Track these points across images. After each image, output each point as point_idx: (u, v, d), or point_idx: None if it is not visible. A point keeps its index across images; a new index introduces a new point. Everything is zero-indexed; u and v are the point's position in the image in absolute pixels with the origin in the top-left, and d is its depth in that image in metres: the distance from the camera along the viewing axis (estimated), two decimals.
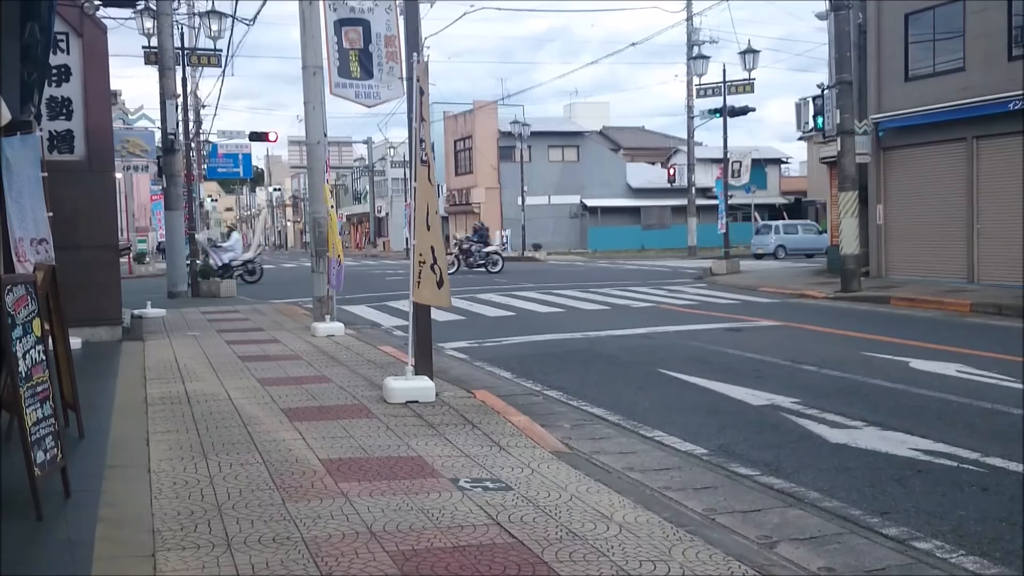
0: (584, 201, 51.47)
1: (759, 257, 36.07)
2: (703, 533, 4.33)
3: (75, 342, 9.26)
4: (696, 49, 37.14)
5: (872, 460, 5.90)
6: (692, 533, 4.30)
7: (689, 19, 37.34)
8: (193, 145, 29.31)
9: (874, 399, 7.80)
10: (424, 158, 7.51)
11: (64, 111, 11.64)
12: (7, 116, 6.80)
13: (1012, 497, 5.06)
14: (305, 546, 4.05)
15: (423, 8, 13.69)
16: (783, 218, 46.94)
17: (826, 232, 31.30)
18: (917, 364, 9.47)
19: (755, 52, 27.55)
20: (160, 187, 25.29)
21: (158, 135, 21.45)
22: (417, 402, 7.31)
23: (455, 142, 54.22)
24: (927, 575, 4.03)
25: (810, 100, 23.64)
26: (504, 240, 47.24)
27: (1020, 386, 8.15)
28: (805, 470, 5.71)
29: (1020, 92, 16.42)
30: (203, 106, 34.51)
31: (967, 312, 14.54)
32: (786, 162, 58.52)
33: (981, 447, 6.06)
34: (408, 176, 7.93)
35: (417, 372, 7.75)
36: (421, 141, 7.50)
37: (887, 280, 19.79)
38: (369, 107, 10.86)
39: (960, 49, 18.29)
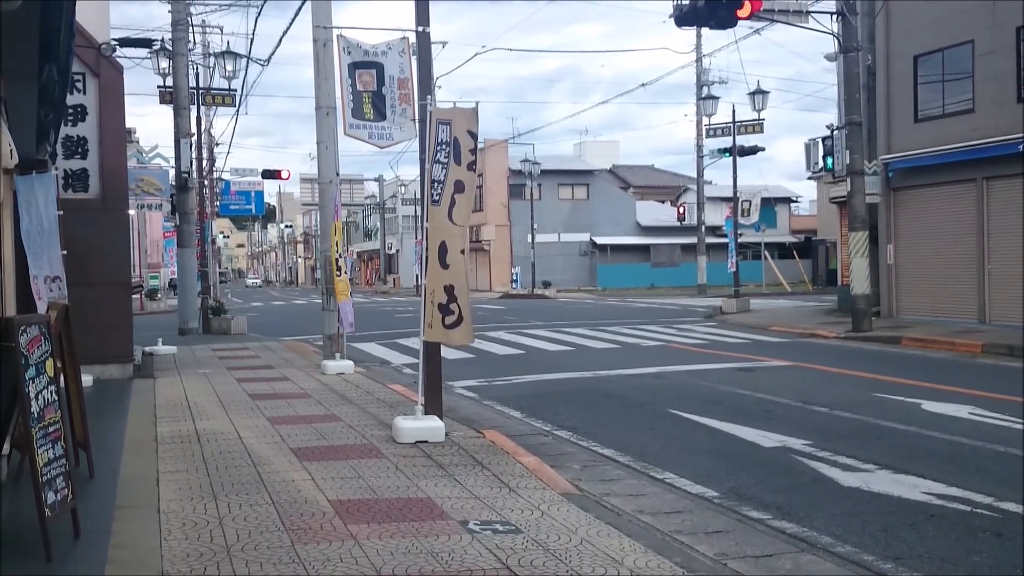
0: (594, 239, 51.58)
1: None
2: None
3: (86, 380, 9.30)
4: (706, 89, 37.40)
5: (885, 504, 5.85)
6: None
7: (699, 60, 37.64)
8: (206, 183, 29.59)
9: (887, 442, 7.74)
10: (435, 198, 7.56)
11: (79, 150, 11.80)
12: (14, 158, 6.89)
13: None
14: None
15: (435, 49, 13.88)
16: (794, 257, 46.93)
17: None
18: (929, 406, 9.40)
19: (764, 93, 27.73)
20: (173, 224, 25.50)
21: (172, 173, 21.67)
22: (427, 442, 7.30)
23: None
24: None
25: (820, 140, 23.72)
26: (514, 277, 47.35)
27: None
28: (817, 514, 5.66)
29: None
30: (217, 144, 34.89)
31: (979, 353, 14.46)
32: (796, 201, 58.61)
33: (994, 491, 6.00)
34: (420, 214, 7.98)
35: (427, 411, 7.75)
36: (434, 182, 7.56)
37: (898, 320, 19.71)
38: (382, 148, 10.95)
39: (969, 90, 18.38)
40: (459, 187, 7.42)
